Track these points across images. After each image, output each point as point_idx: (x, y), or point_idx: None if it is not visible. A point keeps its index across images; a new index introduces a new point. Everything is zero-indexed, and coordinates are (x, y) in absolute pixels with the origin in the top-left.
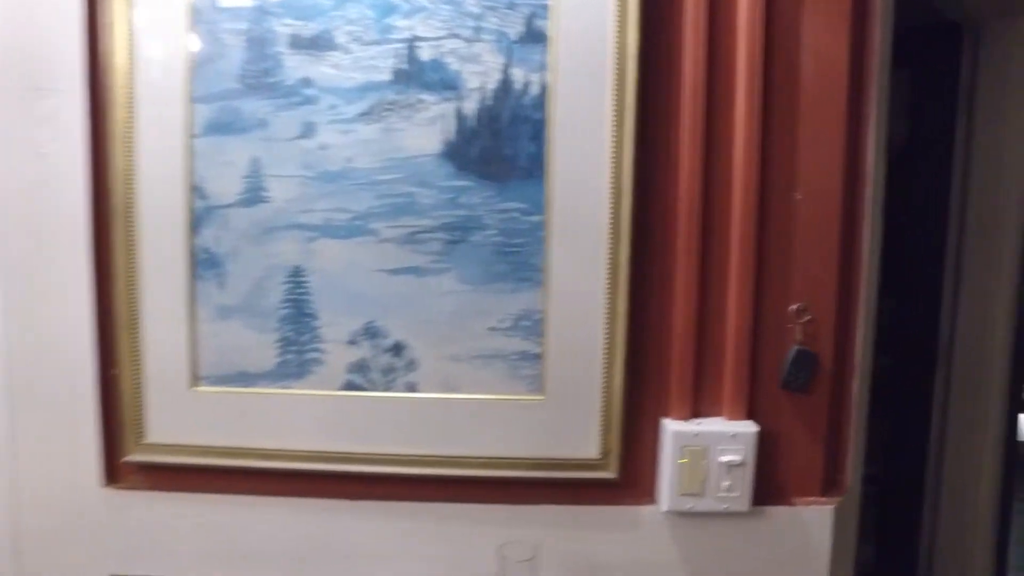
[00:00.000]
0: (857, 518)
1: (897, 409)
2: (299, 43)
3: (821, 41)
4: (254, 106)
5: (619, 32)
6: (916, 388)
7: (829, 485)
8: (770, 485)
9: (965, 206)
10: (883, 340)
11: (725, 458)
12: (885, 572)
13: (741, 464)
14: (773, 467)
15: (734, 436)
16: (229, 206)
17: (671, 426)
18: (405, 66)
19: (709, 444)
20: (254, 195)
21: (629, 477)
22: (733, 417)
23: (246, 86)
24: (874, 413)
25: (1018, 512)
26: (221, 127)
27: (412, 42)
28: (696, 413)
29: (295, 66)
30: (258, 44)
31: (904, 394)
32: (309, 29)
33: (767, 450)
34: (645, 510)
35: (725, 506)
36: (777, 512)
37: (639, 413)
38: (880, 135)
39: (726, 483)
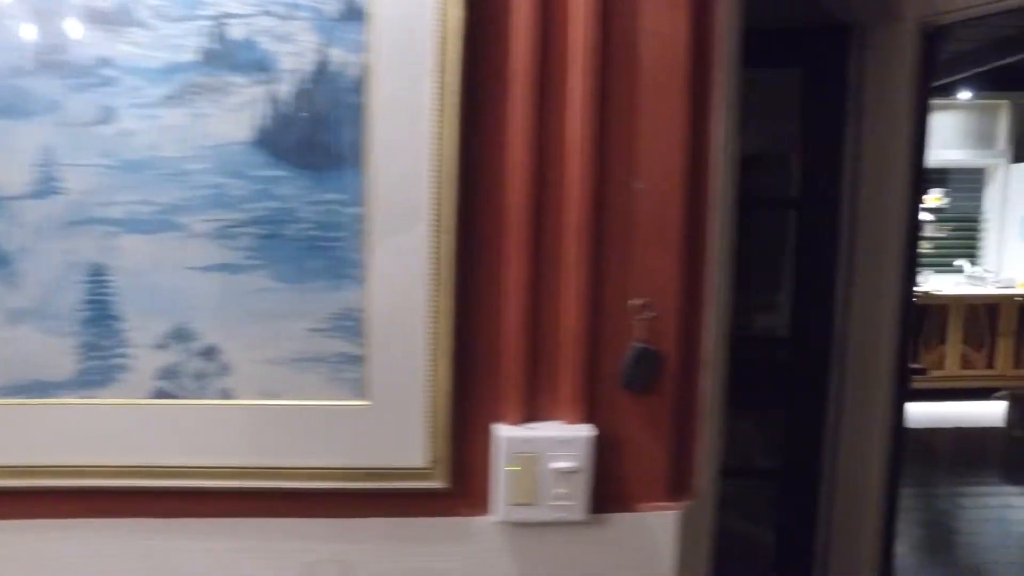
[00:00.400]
0: (712, 521)
1: (797, 402)
2: (94, 16)
3: (661, 23)
4: (44, 87)
5: (442, 8)
6: (814, 381)
7: (677, 489)
8: (612, 491)
9: (856, 202)
10: (780, 336)
11: (558, 464)
12: (784, 558)
13: (576, 470)
14: (615, 472)
15: (568, 441)
16: (17, 198)
17: (502, 431)
18: (214, 45)
19: (541, 450)
20: (47, 186)
21: (460, 486)
22: (572, 420)
23: (34, 64)
24: (774, 406)
25: (908, 497)
26: (4, 110)
27: (221, 19)
28: (532, 417)
29: (91, 43)
30: (46, 16)
31: (803, 387)
32: (105, 1)
33: (608, 455)
34: (478, 521)
35: (560, 515)
36: (619, 519)
37: (470, 418)
38: (731, 126)
39: (561, 490)
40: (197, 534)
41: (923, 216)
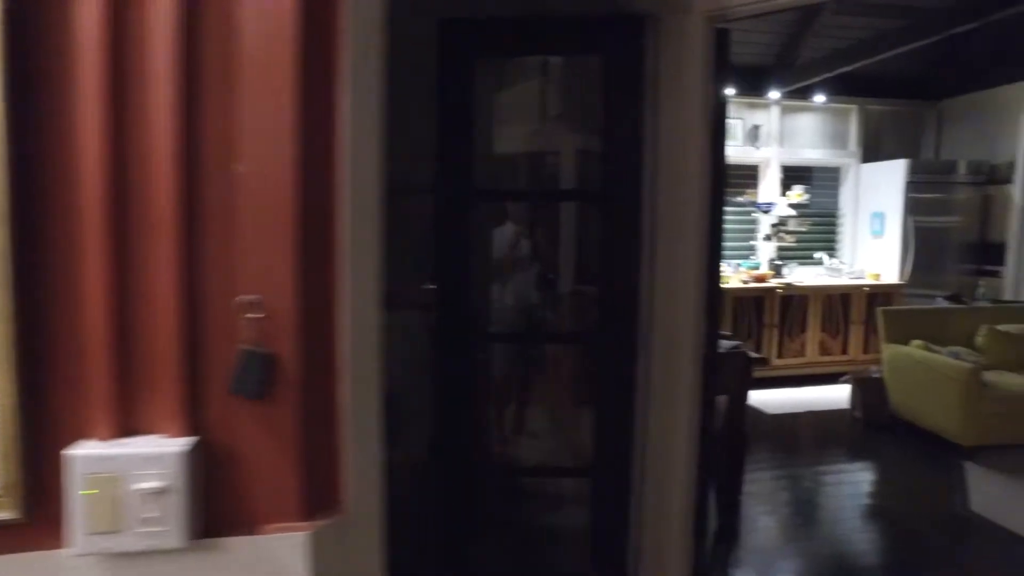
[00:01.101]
0: (381, 535)
1: (608, 402)
2: None
3: None
4: None
5: None
6: (622, 377)
7: (316, 506)
8: (228, 512)
9: (655, 195)
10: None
11: (143, 485)
12: (599, 552)
13: (166, 491)
14: (232, 490)
15: (156, 458)
16: None
17: (76, 451)
18: None
19: (123, 470)
20: None
21: (36, 516)
22: (175, 433)
23: None
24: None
25: (775, 479)
26: None
27: None
28: (130, 431)
29: None
30: None
31: (612, 383)
32: None
33: (222, 471)
34: (56, 555)
35: (152, 542)
36: (237, 544)
37: (46, 436)
38: (366, 110)
39: (151, 514)
40: None
41: (787, 211)
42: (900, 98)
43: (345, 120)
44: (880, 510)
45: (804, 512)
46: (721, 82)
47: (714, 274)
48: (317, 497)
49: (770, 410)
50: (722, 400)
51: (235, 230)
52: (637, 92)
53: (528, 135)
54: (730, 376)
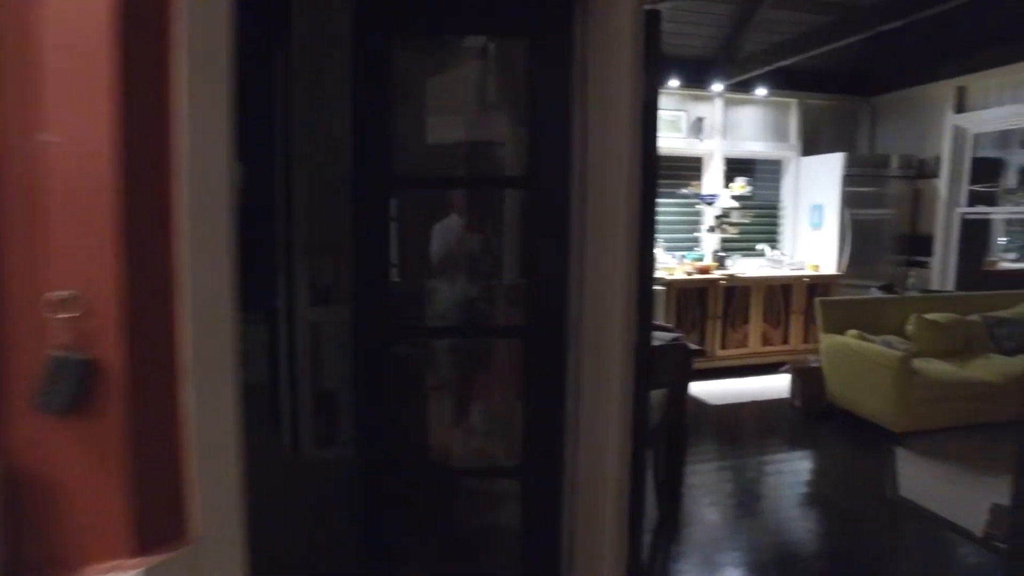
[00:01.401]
0: (243, 560)
1: (538, 397)
2: None
3: None
4: None
5: None
6: (553, 376)
7: (152, 537)
8: (40, 552)
9: (584, 183)
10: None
11: None
12: (530, 550)
13: None
14: (44, 526)
15: None
16: None
17: None
18: None
19: None
20: None
21: None
22: None
23: None
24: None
25: (722, 469)
26: None
27: None
28: None
29: None
30: None
31: (544, 382)
32: None
33: (31, 503)
34: None
35: None
36: None
37: None
38: (210, 70)
39: None
40: None
41: (730, 203)
42: (837, 93)
43: (181, 81)
44: (817, 498)
45: (745, 503)
46: (652, 67)
47: (647, 264)
48: (154, 527)
49: (713, 401)
50: (662, 393)
51: (41, 212)
52: (565, 76)
53: (464, 123)
54: (669, 369)
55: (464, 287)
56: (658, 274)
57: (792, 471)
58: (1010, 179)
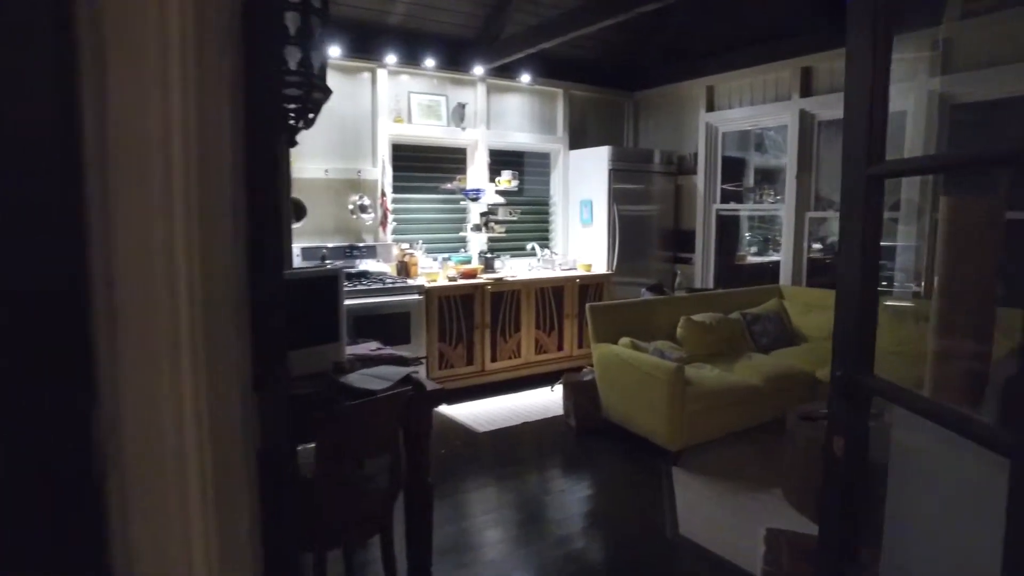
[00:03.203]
0: None
1: None
2: None
3: None
4: None
5: None
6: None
7: None
8: None
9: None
10: None
11: None
12: None
13: None
14: None
15: None
16: None
17: None
18: None
19: None
20: None
21: None
22: None
23: None
24: None
25: (501, 496)
26: None
27: None
28: None
29: None
30: None
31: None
32: None
33: None
34: None
35: None
36: None
37: None
38: None
39: None
40: None
41: (497, 199)
42: (602, 86)
43: None
44: (590, 531)
45: (540, 524)
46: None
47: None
48: None
49: (482, 427)
50: (386, 459)
51: None
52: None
53: None
54: (391, 423)
55: None
56: (416, 281)
57: (564, 503)
58: (749, 178)
